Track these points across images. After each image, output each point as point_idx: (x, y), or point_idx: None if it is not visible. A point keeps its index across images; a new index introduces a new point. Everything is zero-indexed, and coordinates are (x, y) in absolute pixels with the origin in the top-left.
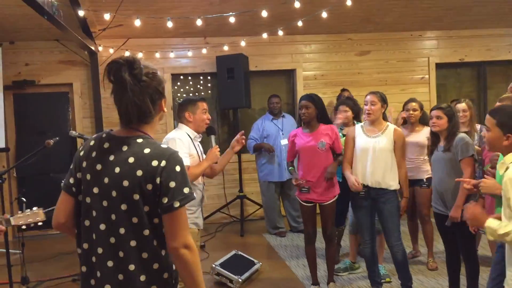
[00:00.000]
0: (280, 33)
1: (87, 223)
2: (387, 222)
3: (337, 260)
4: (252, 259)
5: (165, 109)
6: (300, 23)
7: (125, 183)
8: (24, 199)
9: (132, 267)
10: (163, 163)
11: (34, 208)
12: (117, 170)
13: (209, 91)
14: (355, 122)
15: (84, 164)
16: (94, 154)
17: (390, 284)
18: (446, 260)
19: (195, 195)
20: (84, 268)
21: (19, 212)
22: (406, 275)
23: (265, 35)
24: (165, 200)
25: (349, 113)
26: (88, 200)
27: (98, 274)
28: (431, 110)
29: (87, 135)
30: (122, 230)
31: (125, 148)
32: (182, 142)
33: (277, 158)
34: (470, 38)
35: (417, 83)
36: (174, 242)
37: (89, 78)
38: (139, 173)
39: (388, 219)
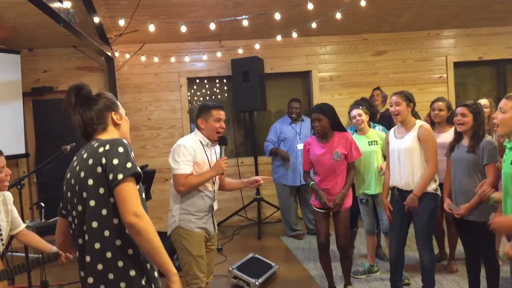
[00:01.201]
0: (295, 35)
1: (70, 219)
2: (417, 228)
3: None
4: (269, 262)
5: (118, 121)
6: (314, 25)
7: (82, 174)
8: (42, 204)
9: (97, 245)
10: (107, 146)
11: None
12: (77, 168)
13: (225, 94)
14: (371, 123)
15: (64, 188)
16: (68, 173)
17: (409, 287)
18: (466, 263)
19: (202, 201)
20: (82, 273)
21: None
22: (430, 280)
23: (279, 38)
24: (111, 176)
25: (363, 117)
26: (69, 206)
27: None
28: (456, 107)
29: None
30: (95, 224)
31: (85, 154)
32: (186, 149)
33: (292, 163)
34: (488, 36)
35: (435, 83)
36: (124, 213)
37: (106, 84)
38: (90, 161)
39: (418, 224)
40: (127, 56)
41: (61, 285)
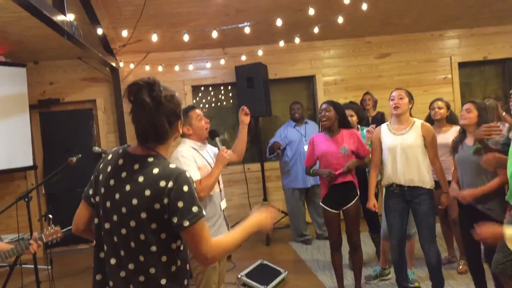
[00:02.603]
0: (297, 40)
1: (102, 233)
2: (421, 224)
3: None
4: (278, 268)
5: (180, 131)
6: (316, 30)
7: (134, 201)
8: (50, 216)
9: (142, 278)
10: (170, 184)
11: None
12: (127, 188)
13: (230, 101)
14: (359, 126)
15: (101, 177)
16: (109, 169)
17: None
18: (468, 266)
19: (214, 206)
20: (98, 277)
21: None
22: (439, 279)
23: (282, 43)
24: (175, 220)
25: (354, 118)
26: (101, 212)
27: (111, 283)
28: (454, 122)
29: (110, 150)
30: (132, 244)
31: (136, 166)
32: (186, 158)
33: (301, 165)
34: (493, 35)
35: (440, 84)
36: (196, 256)
37: (112, 94)
38: (147, 192)
39: (422, 221)
40: (132, 66)
41: None
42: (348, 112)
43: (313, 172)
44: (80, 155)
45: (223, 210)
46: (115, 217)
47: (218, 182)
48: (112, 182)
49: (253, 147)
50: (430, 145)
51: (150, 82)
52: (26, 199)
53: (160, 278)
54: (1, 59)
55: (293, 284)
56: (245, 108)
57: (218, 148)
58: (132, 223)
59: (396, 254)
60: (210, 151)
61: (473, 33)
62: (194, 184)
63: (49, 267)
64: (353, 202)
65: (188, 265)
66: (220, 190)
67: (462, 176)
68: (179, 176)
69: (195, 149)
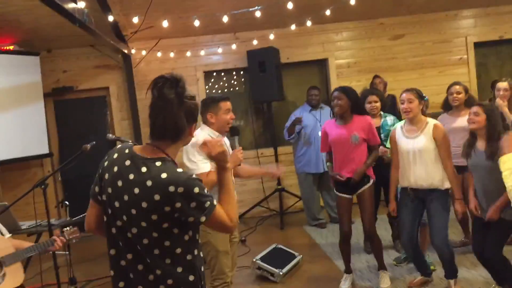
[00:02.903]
0: (309, 23)
1: (113, 230)
2: (433, 222)
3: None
4: (292, 252)
5: (194, 135)
6: (328, 12)
7: (144, 204)
8: (67, 203)
9: (158, 271)
10: (180, 189)
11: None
12: (136, 190)
13: (243, 86)
14: (382, 113)
15: (107, 176)
16: (116, 169)
17: (436, 273)
18: (475, 255)
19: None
20: (112, 272)
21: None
22: (452, 269)
23: (293, 27)
24: (192, 219)
25: (378, 104)
26: (109, 211)
27: (131, 275)
28: (472, 105)
29: (124, 137)
30: (145, 241)
31: (144, 169)
32: None
33: (314, 150)
34: (509, 14)
35: (455, 64)
36: (225, 231)
37: (124, 81)
38: (157, 197)
39: (434, 217)
40: (144, 52)
41: (89, 281)
42: (372, 98)
43: (328, 167)
44: (94, 142)
45: None
46: (124, 217)
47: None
48: (120, 183)
49: (266, 131)
50: (441, 147)
51: (176, 78)
52: (43, 186)
53: (176, 267)
54: (15, 48)
55: (308, 268)
56: (277, 175)
57: (235, 147)
58: (143, 224)
59: (410, 251)
60: (226, 141)
61: (488, 12)
62: (201, 178)
63: (67, 252)
64: (367, 186)
65: (201, 252)
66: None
67: (476, 182)
68: (188, 181)
69: (212, 138)
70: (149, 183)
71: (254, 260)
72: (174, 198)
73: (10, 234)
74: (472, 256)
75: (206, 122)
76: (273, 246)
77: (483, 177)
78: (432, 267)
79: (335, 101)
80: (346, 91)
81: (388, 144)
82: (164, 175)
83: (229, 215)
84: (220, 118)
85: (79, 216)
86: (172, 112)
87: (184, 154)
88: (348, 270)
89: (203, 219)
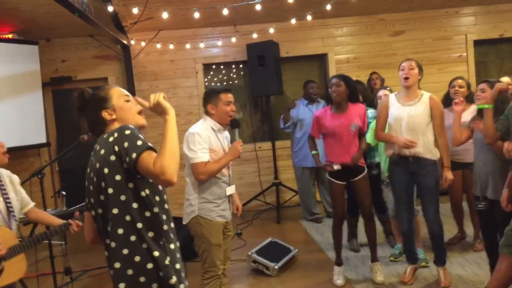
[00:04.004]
0: (309, 17)
1: (94, 212)
2: (425, 196)
3: (357, 249)
4: (288, 246)
5: (110, 117)
6: (329, 7)
7: (97, 165)
8: (64, 193)
9: (120, 231)
10: (116, 134)
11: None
12: (94, 161)
13: (242, 79)
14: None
15: (88, 170)
16: (92, 159)
17: (429, 269)
18: (484, 244)
19: (220, 189)
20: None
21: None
22: (441, 248)
23: (293, 21)
24: (127, 159)
25: (359, 98)
26: (92, 200)
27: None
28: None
29: None
30: (105, 199)
31: (97, 145)
32: (201, 136)
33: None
34: (509, 12)
35: (455, 62)
36: (155, 179)
37: (123, 72)
38: (103, 151)
39: (427, 193)
40: (143, 44)
41: (84, 271)
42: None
43: (314, 155)
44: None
45: (229, 195)
46: (90, 187)
47: (228, 168)
48: (88, 170)
49: (264, 125)
50: (437, 117)
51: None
52: (40, 176)
53: (136, 223)
54: (14, 37)
55: (303, 262)
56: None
57: (234, 139)
58: (103, 184)
59: (406, 225)
60: (227, 136)
61: (489, 10)
62: (200, 168)
63: (63, 242)
64: (361, 175)
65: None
66: (229, 176)
67: (478, 153)
68: (121, 128)
69: (214, 130)
70: (99, 149)
71: (250, 253)
72: (113, 144)
73: (34, 203)
74: (466, 253)
75: (207, 113)
76: (269, 239)
77: (485, 151)
78: (423, 264)
79: (334, 87)
80: (345, 78)
81: (369, 137)
82: (106, 135)
83: (158, 161)
84: (220, 109)
85: (75, 206)
86: (85, 121)
87: (185, 143)
88: (339, 262)
89: (134, 155)
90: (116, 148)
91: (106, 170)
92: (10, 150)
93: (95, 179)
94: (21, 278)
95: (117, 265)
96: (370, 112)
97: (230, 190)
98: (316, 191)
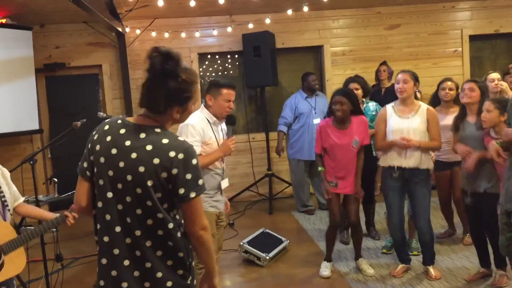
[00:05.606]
0: (306, 9)
1: (100, 204)
2: (418, 204)
3: (377, 237)
4: (280, 236)
5: (177, 117)
6: None
7: (141, 169)
8: (55, 179)
9: (149, 243)
10: (181, 155)
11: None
12: (133, 155)
13: (237, 70)
14: (363, 100)
15: (98, 147)
16: (109, 138)
17: (419, 261)
18: (471, 237)
19: (213, 179)
20: (98, 249)
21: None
22: (430, 253)
23: (290, 12)
24: (182, 191)
25: (359, 91)
26: (101, 182)
27: (116, 251)
28: (464, 83)
29: (115, 116)
30: (138, 211)
31: (142, 135)
32: (195, 129)
33: (308, 137)
34: (505, 8)
35: (450, 57)
36: (193, 227)
37: (118, 60)
38: (156, 161)
39: (419, 201)
40: (138, 31)
41: (75, 258)
42: (353, 85)
43: (320, 172)
44: (85, 120)
45: (223, 189)
46: (119, 185)
47: (222, 161)
48: (114, 151)
49: (258, 116)
50: (433, 128)
51: (169, 55)
52: (31, 162)
53: (168, 240)
54: (7, 22)
55: (294, 253)
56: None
57: (227, 136)
58: (138, 190)
59: (397, 233)
60: (224, 128)
61: (485, 6)
62: None
63: (54, 230)
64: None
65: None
66: (223, 169)
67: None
68: (189, 149)
69: (209, 122)
70: (149, 147)
71: (241, 243)
72: (173, 163)
73: (24, 198)
74: (456, 246)
75: (205, 103)
76: (261, 230)
77: (474, 147)
78: (415, 253)
79: (337, 106)
80: (348, 94)
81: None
82: (165, 141)
83: (204, 219)
84: (217, 103)
85: (67, 194)
86: (152, 87)
87: (178, 133)
88: (329, 258)
89: (192, 195)
90: (174, 172)
91: (150, 183)
92: (2, 136)
93: (129, 177)
94: None
95: (136, 273)
96: (372, 105)
97: (224, 183)
98: (310, 183)
